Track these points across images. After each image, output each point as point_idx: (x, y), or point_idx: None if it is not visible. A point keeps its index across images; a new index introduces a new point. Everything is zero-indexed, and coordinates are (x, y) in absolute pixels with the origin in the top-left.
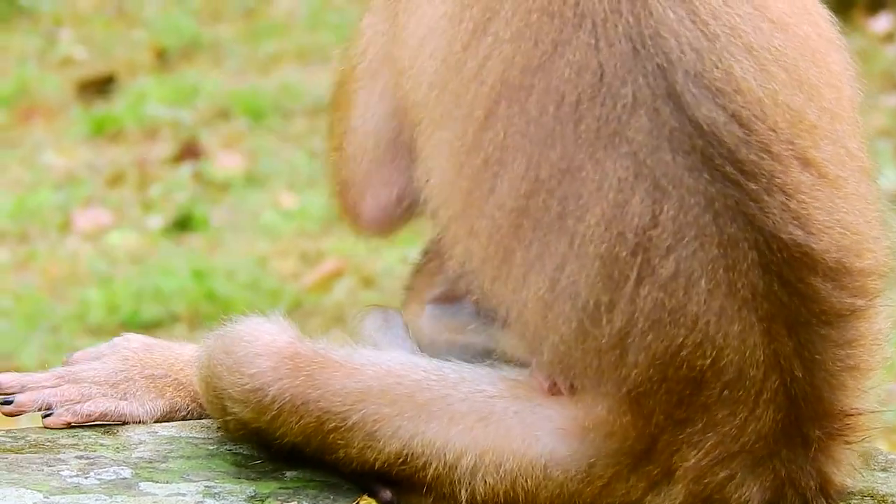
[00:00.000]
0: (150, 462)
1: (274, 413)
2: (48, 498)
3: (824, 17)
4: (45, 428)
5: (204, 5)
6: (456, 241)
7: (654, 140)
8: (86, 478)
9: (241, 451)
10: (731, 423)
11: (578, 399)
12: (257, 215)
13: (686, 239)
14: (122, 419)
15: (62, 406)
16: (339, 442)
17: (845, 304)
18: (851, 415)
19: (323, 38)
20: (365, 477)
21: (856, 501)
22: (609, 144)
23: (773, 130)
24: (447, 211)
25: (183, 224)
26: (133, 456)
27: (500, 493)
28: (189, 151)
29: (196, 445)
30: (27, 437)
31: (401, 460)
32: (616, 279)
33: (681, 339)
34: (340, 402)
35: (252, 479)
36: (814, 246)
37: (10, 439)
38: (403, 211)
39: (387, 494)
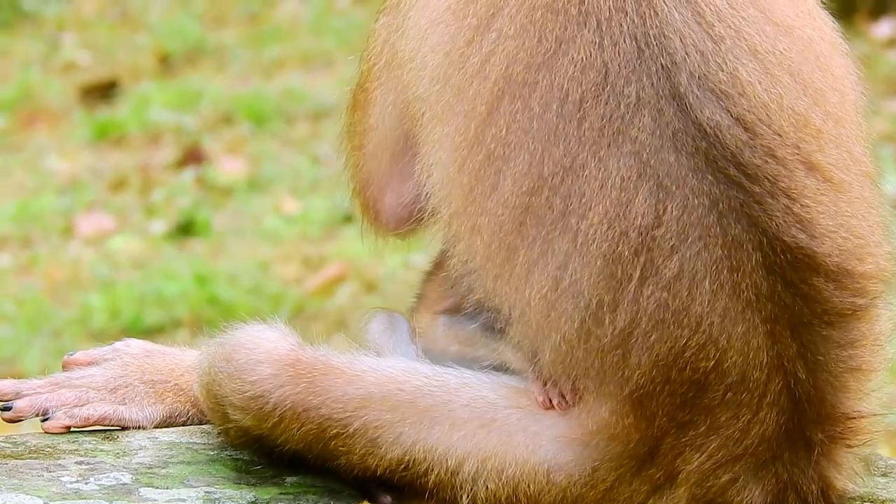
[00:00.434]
0: (151, 467)
1: (275, 420)
2: (48, 503)
3: (827, 22)
4: (45, 433)
5: (207, 10)
6: (458, 239)
7: (658, 140)
8: (86, 483)
9: (242, 456)
10: (734, 426)
11: (580, 403)
12: (260, 220)
13: (690, 239)
14: (122, 424)
15: (60, 410)
16: (340, 449)
17: (846, 303)
18: (853, 418)
19: (326, 44)
20: (366, 482)
21: None
22: (612, 143)
23: (779, 134)
24: (449, 207)
25: (185, 229)
26: (133, 461)
27: (503, 498)
28: (192, 156)
29: (196, 451)
30: (27, 442)
31: (402, 466)
32: (619, 278)
33: (684, 341)
34: (342, 408)
35: (252, 485)
36: (816, 249)
37: (10, 445)
38: (422, 208)
39: (387, 500)
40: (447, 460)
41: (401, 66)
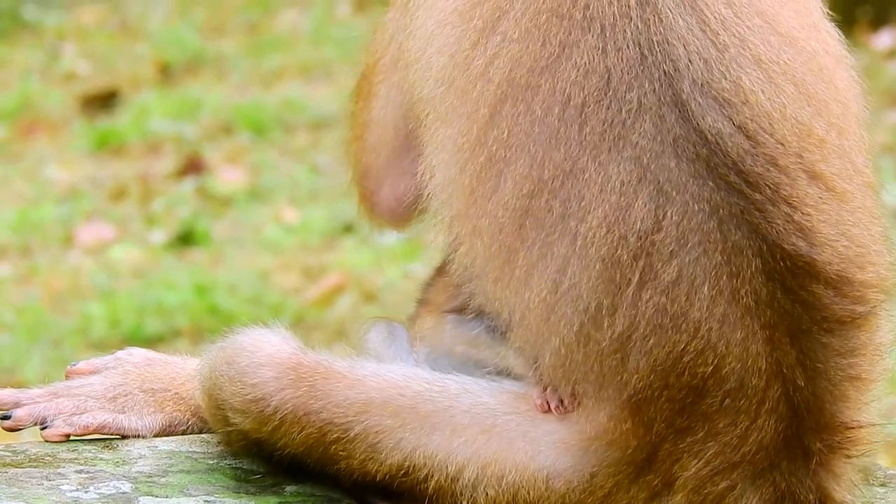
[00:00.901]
0: (150, 476)
1: (276, 423)
2: None
3: (832, 35)
4: (45, 441)
5: (207, 20)
6: (459, 241)
7: (659, 146)
8: (86, 492)
9: (241, 465)
10: (732, 433)
11: (579, 408)
12: (260, 230)
13: (689, 244)
14: (121, 432)
15: (58, 418)
16: (340, 453)
17: (846, 311)
18: (853, 427)
19: (326, 53)
20: (365, 490)
21: None
22: (613, 147)
23: (781, 143)
24: (451, 210)
25: (185, 238)
26: (133, 470)
27: None
28: (192, 166)
29: (196, 460)
30: (27, 451)
31: (402, 472)
32: (618, 282)
33: (682, 346)
34: (343, 413)
35: (252, 494)
36: (816, 257)
37: (10, 454)
38: (419, 203)
39: None
40: (447, 466)
41: (406, 66)
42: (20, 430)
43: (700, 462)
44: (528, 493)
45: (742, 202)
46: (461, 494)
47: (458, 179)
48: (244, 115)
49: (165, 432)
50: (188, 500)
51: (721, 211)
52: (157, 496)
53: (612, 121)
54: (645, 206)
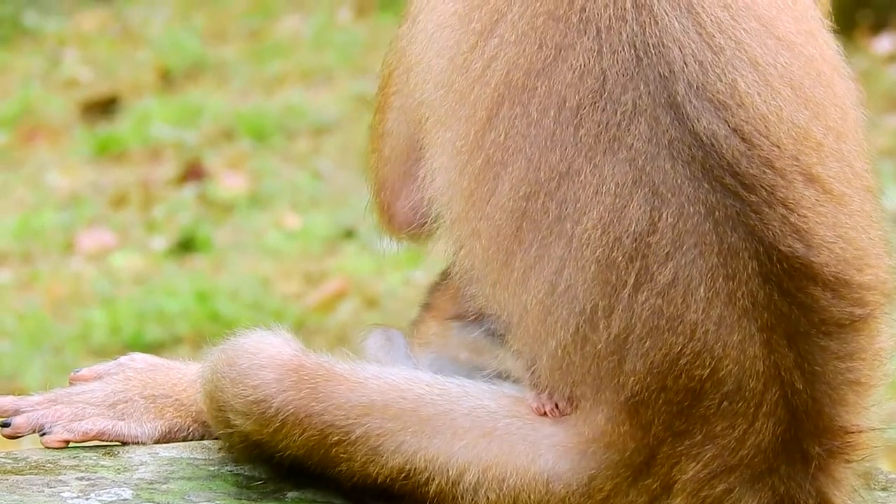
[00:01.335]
0: (151, 483)
1: (277, 425)
2: None
3: (829, 44)
4: (45, 448)
5: (208, 26)
6: (459, 244)
7: (654, 148)
8: (87, 499)
9: (243, 471)
10: (730, 436)
11: (577, 411)
12: (261, 236)
13: (685, 246)
14: (121, 439)
15: (57, 424)
16: (341, 456)
17: (844, 313)
18: (852, 432)
19: (327, 59)
20: (366, 493)
21: None
22: (608, 149)
23: (777, 146)
24: (451, 212)
25: (186, 245)
26: (134, 477)
27: None
28: (193, 172)
29: (197, 466)
30: (28, 458)
31: (403, 475)
32: (613, 284)
33: (679, 348)
34: (344, 415)
35: (253, 500)
36: (813, 259)
37: (11, 461)
38: (433, 213)
39: None
40: (448, 470)
41: (408, 70)
42: (20, 437)
43: (698, 465)
44: (529, 496)
45: (738, 204)
46: (462, 498)
47: (457, 182)
48: (245, 121)
49: (166, 439)
50: None
51: (717, 213)
52: (158, 503)
53: (608, 123)
54: (640, 207)
